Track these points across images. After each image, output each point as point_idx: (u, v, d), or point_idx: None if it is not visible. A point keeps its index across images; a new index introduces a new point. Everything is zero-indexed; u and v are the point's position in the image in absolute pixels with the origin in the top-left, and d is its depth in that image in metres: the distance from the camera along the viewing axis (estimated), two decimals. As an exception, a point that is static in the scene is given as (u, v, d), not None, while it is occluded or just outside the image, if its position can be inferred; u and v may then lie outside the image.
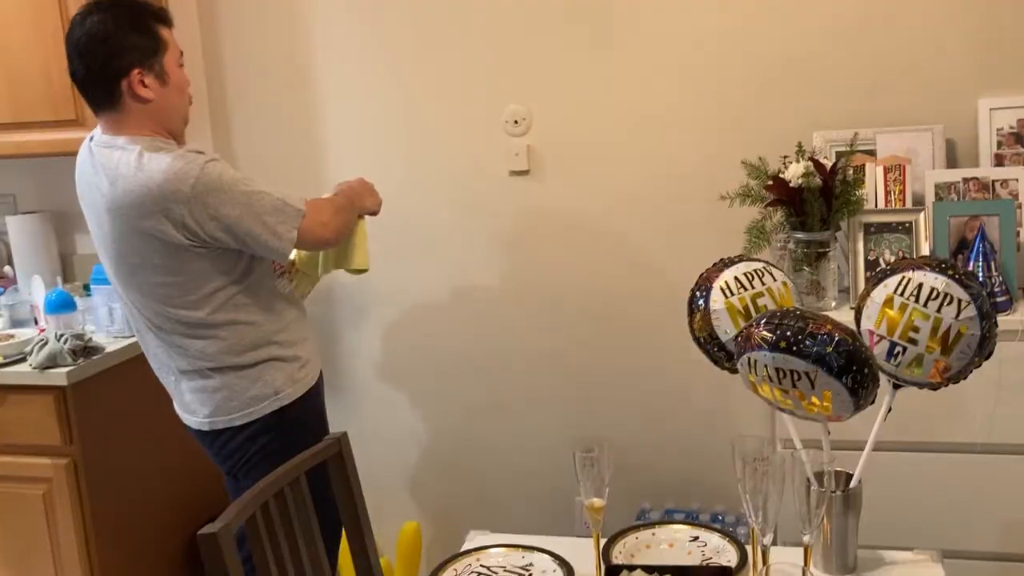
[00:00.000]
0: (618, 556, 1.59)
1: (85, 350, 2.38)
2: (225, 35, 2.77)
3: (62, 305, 2.48)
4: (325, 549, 1.59)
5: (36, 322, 2.66)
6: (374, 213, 2.23)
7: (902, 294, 1.38)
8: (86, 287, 2.70)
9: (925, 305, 1.36)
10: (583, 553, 1.56)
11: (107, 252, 1.97)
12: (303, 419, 2.08)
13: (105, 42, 1.86)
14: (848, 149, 2.22)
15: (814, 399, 1.33)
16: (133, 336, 2.50)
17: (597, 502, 1.51)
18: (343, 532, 1.79)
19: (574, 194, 2.60)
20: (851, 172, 2.19)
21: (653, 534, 1.67)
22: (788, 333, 1.30)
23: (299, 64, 2.73)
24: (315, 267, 2.26)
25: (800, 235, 2.15)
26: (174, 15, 2.71)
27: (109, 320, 2.54)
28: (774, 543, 2.14)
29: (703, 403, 2.61)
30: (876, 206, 2.28)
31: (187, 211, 1.83)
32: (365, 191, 2.21)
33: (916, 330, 1.36)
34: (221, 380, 1.99)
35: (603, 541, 1.60)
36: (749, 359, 1.35)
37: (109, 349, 2.45)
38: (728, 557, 1.57)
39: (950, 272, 1.37)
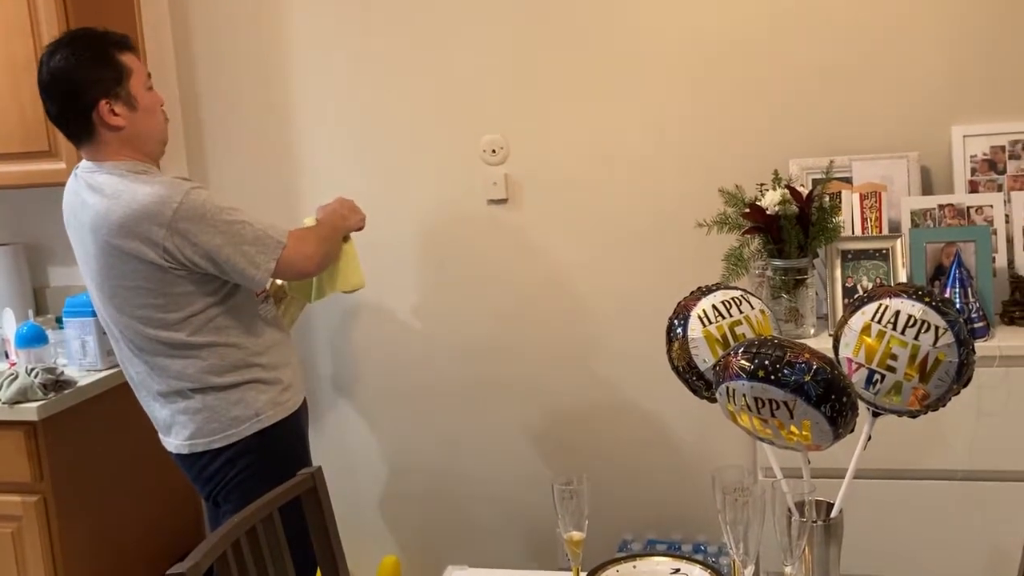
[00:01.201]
0: (598, 590, 1.56)
1: (57, 384, 2.35)
2: (200, 61, 2.76)
3: (33, 339, 2.45)
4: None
5: (7, 356, 2.61)
6: (359, 228, 2.25)
7: (879, 321, 1.37)
8: (59, 320, 2.66)
9: (903, 333, 1.35)
10: (563, 587, 1.53)
11: (90, 273, 1.99)
12: (284, 444, 2.07)
13: (69, 80, 1.90)
14: (824, 176, 2.23)
15: (793, 428, 1.31)
16: (106, 369, 2.47)
17: (576, 535, 1.49)
18: (318, 570, 1.76)
19: (552, 222, 2.60)
20: (827, 199, 2.20)
21: (634, 567, 1.65)
22: (766, 362, 1.28)
23: (275, 91, 2.73)
24: (307, 292, 2.27)
25: (778, 262, 2.15)
26: (148, 40, 2.74)
27: (82, 353, 2.50)
28: (756, 574, 2.12)
29: (684, 433, 2.59)
30: (853, 233, 2.29)
31: (167, 235, 1.86)
32: (347, 211, 2.23)
33: (894, 358, 1.35)
34: (202, 401, 1.99)
35: (583, 575, 1.58)
36: (727, 388, 1.34)
37: (82, 383, 2.42)
38: (710, 589, 1.55)
39: (927, 299, 1.37)
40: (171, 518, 2.67)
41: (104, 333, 2.18)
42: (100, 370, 2.48)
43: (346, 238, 2.23)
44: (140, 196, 1.87)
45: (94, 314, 2.32)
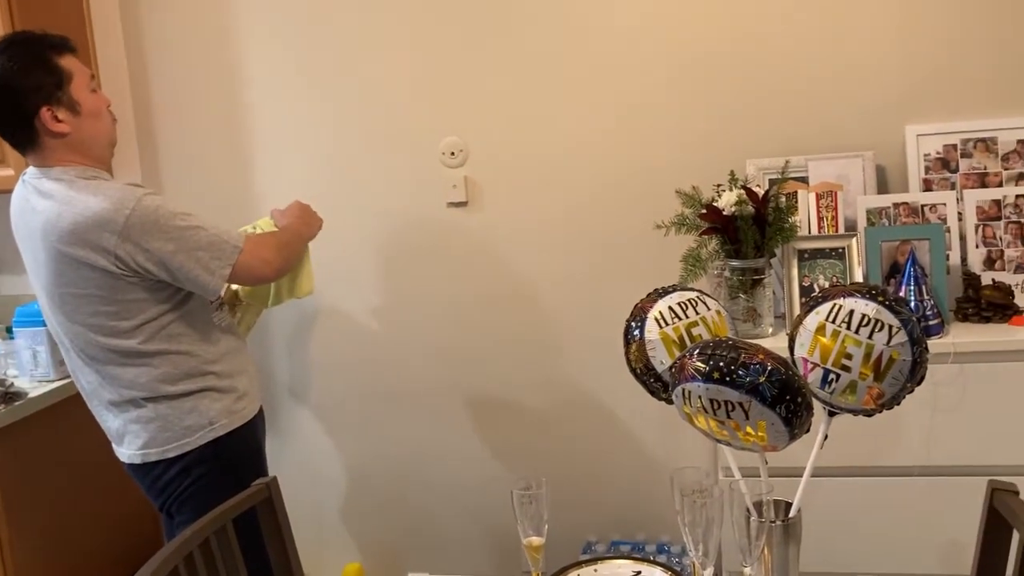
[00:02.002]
0: (559, 595, 1.56)
1: (7, 396, 2.30)
2: (152, 63, 2.72)
3: (-19, 350, 2.39)
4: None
5: (-45, 368, 2.55)
6: (315, 235, 2.24)
7: (834, 321, 1.38)
8: (8, 330, 2.60)
9: (857, 332, 1.36)
10: (524, 593, 1.52)
11: (40, 280, 1.95)
12: (239, 453, 2.04)
13: (7, 88, 1.84)
14: (780, 177, 2.24)
15: (749, 429, 1.31)
16: (59, 380, 2.42)
17: (536, 540, 1.48)
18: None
19: (513, 225, 2.59)
20: (783, 199, 2.21)
21: (595, 570, 1.64)
22: (721, 363, 1.28)
23: (230, 94, 2.69)
24: (263, 299, 2.24)
25: (735, 263, 2.16)
26: (98, 42, 2.68)
27: (33, 364, 2.45)
28: (718, 574, 2.12)
29: (647, 434, 2.60)
30: (810, 232, 2.30)
31: (119, 242, 1.83)
32: (306, 216, 2.21)
33: (849, 357, 1.36)
34: (155, 410, 1.96)
35: (544, 579, 1.57)
36: (683, 390, 1.34)
37: (33, 394, 2.36)
38: (670, 591, 1.55)
39: (880, 298, 1.38)
40: (127, 531, 2.62)
41: (56, 343, 2.13)
42: (52, 381, 2.43)
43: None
44: (91, 203, 1.83)
45: (45, 323, 2.27)
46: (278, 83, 2.66)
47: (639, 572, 1.63)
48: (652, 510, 2.60)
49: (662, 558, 2.46)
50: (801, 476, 1.49)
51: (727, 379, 1.28)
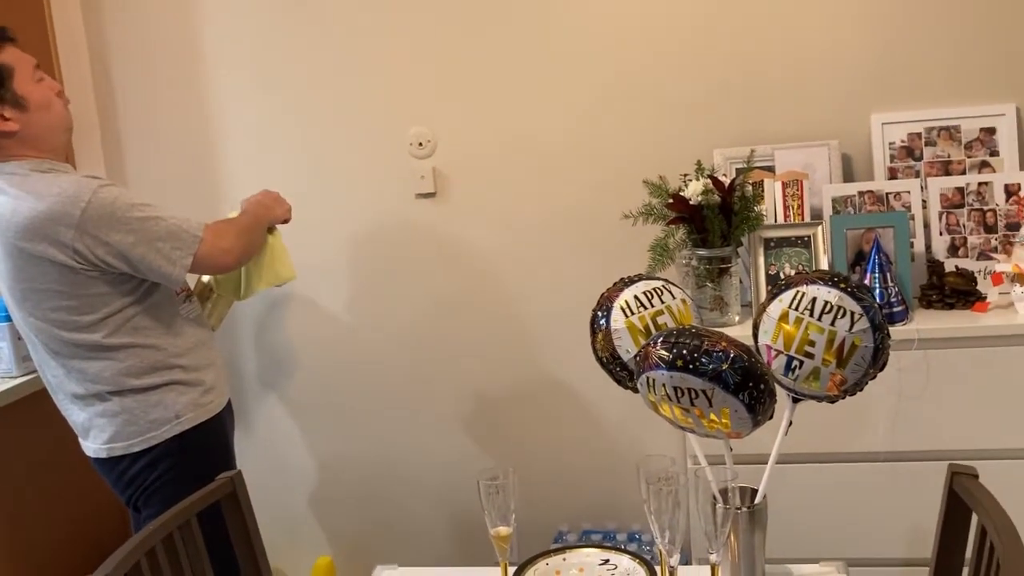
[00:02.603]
0: (528, 584, 1.56)
1: (-31, 393, 2.26)
2: (114, 52, 2.68)
3: (-57, 346, 2.35)
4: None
5: (-84, 365, 2.50)
6: (286, 221, 2.21)
7: (797, 308, 1.39)
8: (-30, 326, 2.56)
9: (819, 319, 1.37)
10: (493, 583, 1.52)
11: (2, 277, 1.92)
12: (205, 447, 2.02)
13: None
14: (746, 166, 2.25)
15: (712, 417, 1.32)
16: (23, 376, 2.39)
17: (503, 531, 1.48)
18: None
19: (481, 216, 2.58)
20: (749, 188, 2.22)
21: (564, 559, 1.64)
22: (684, 351, 1.29)
23: (194, 84, 2.66)
24: (234, 289, 2.22)
25: (702, 252, 2.16)
26: (59, 33, 2.64)
27: (-5, 359, 2.41)
28: (687, 562, 2.14)
29: (617, 422, 2.61)
30: (776, 221, 2.32)
31: (76, 236, 1.80)
32: (271, 202, 2.18)
33: (812, 344, 1.37)
34: (120, 404, 1.94)
35: (512, 569, 1.57)
36: (648, 378, 1.34)
37: (-5, 390, 2.33)
38: (638, 579, 1.55)
39: (843, 285, 1.39)
40: (96, 527, 2.59)
41: (20, 339, 2.10)
42: (16, 377, 2.39)
43: (272, 230, 2.19)
44: (46, 197, 1.80)
45: (8, 319, 2.24)
46: (243, 72, 2.63)
47: (607, 560, 1.63)
48: (624, 499, 2.62)
49: (633, 547, 2.48)
50: (767, 463, 1.50)
51: (690, 367, 1.28)
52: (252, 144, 2.67)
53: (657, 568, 1.53)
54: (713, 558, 1.39)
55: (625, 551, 1.65)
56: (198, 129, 2.68)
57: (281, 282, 2.23)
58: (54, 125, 1.92)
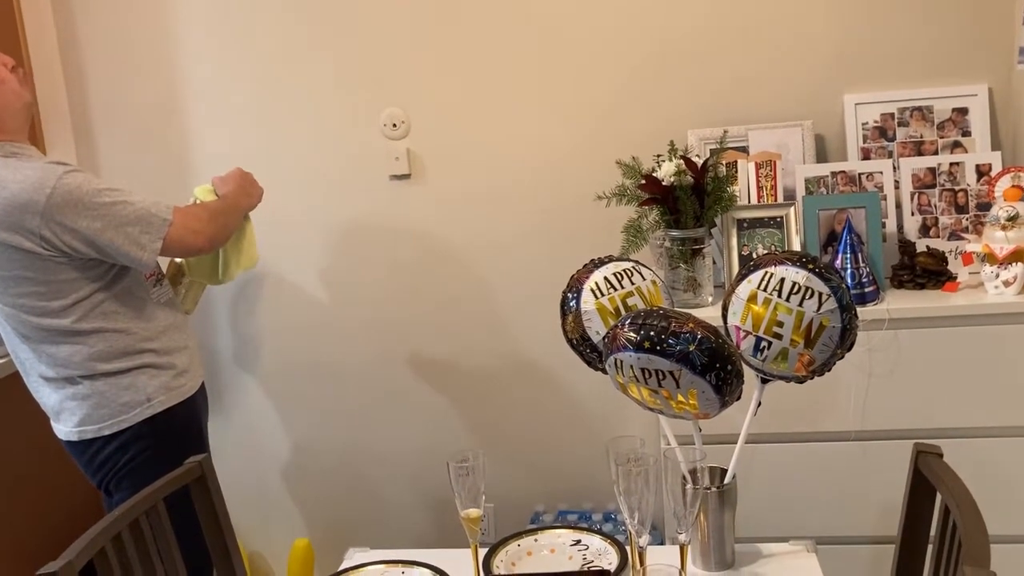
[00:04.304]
0: (499, 566, 1.56)
1: (-64, 378, 2.23)
2: (84, 35, 2.63)
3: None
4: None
5: None
6: (258, 203, 2.21)
7: (765, 289, 1.39)
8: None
9: (788, 299, 1.37)
10: (467, 565, 1.52)
11: None
12: (177, 430, 2.01)
13: None
14: (720, 147, 2.25)
15: (680, 398, 1.32)
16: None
17: (473, 512, 1.48)
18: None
19: (455, 198, 2.57)
20: (723, 169, 2.22)
21: (536, 540, 1.65)
22: (652, 333, 1.29)
23: (164, 65, 2.62)
24: (208, 274, 2.21)
25: (675, 233, 2.16)
26: (27, 15, 2.60)
27: (-36, 344, 2.37)
28: (660, 542, 2.15)
29: (592, 403, 2.61)
30: (749, 202, 2.32)
31: (43, 223, 1.78)
32: (247, 185, 2.17)
33: (780, 324, 1.38)
34: (91, 387, 1.93)
35: (484, 551, 1.57)
36: (616, 360, 1.34)
37: (-36, 375, 2.30)
38: (609, 559, 1.56)
39: (811, 266, 1.39)
40: (70, 512, 2.57)
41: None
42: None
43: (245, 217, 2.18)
44: (10, 184, 1.78)
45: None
46: (214, 52, 2.60)
47: (579, 541, 1.64)
48: (599, 479, 2.63)
49: (608, 527, 2.49)
50: (736, 443, 1.51)
51: (657, 348, 1.29)
52: (223, 124, 2.63)
53: (628, 548, 1.54)
54: (682, 538, 1.40)
55: (597, 532, 1.66)
56: (169, 111, 2.65)
57: (247, 268, 2.22)
58: (8, 103, 1.88)
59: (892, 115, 2.33)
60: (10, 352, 2.01)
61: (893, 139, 2.33)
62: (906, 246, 2.23)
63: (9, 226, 1.78)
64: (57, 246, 1.81)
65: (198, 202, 2.12)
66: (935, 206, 2.27)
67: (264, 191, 2.21)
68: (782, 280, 1.39)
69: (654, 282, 1.55)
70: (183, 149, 2.67)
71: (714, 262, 2.27)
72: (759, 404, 1.49)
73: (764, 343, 1.39)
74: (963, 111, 2.29)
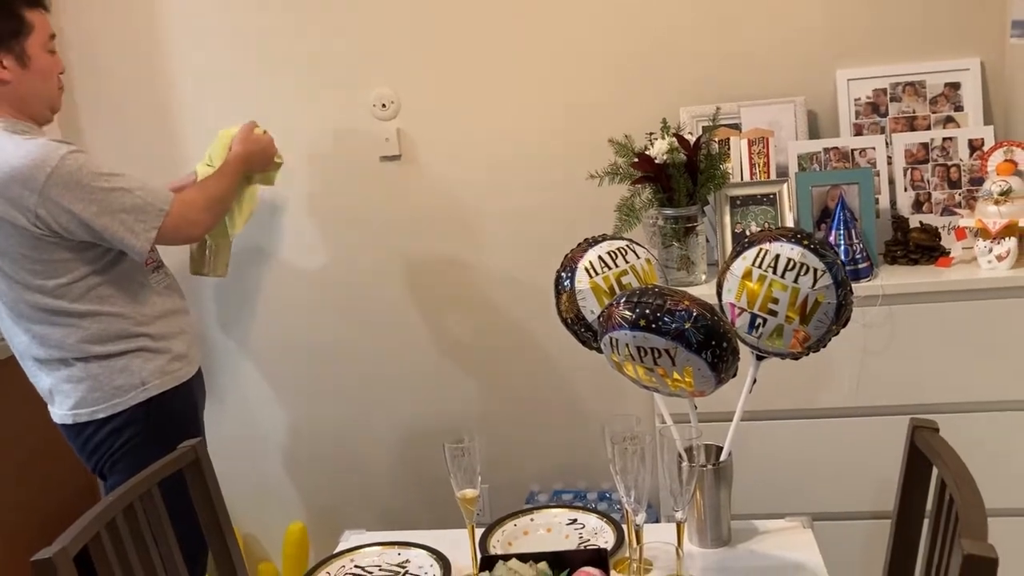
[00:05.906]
0: (496, 545, 1.56)
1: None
2: (67, 17, 2.60)
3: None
4: (188, 566, 1.51)
5: None
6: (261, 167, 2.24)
7: (760, 266, 1.38)
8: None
9: (783, 276, 1.37)
10: (464, 545, 1.52)
11: None
12: (172, 414, 2.01)
13: None
14: (712, 124, 2.23)
15: (676, 375, 1.32)
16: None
17: (470, 493, 1.48)
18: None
19: (447, 178, 2.55)
20: (715, 146, 2.21)
21: (532, 519, 1.65)
22: (647, 311, 1.28)
23: (151, 44, 2.59)
24: (222, 234, 2.26)
25: (668, 211, 2.15)
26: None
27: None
28: (656, 520, 2.15)
29: (587, 382, 2.61)
30: (742, 179, 2.31)
31: (39, 201, 1.78)
32: (248, 156, 2.17)
33: (775, 301, 1.37)
34: (85, 370, 1.92)
35: (481, 531, 1.57)
36: (611, 339, 1.33)
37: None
38: (605, 538, 1.57)
39: (806, 242, 1.38)
40: (67, 498, 2.56)
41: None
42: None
43: (251, 179, 2.22)
44: (12, 159, 1.78)
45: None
46: (203, 29, 2.57)
47: (575, 520, 1.64)
48: (593, 460, 2.63)
49: (603, 506, 2.49)
50: (732, 420, 1.51)
51: (653, 326, 1.28)
52: (212, 101, 2.60)
53: (624, 527, 1.54)
54: (679, 516, 1.40)
55: (593, 511, 1.66)
56: (156, 92, 2.62)
57: (254, 207, 2.28)
58: (44, 95, 1.93)
59: (884, 91, 2.32)
60: (5, 336, 2.01)
61: (886, 115, 2.32)
62: (899, 222, 2.23)
63: (5, 199, 1.78)
64: (50, 225, 1.80)
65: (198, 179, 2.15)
66: (928, 181, 2.26)
67: (272, 140, 2.23)
68: (777, 256, 1.38)
69: (648, 260, 1.55)
70: (169, 130, 2.64)
71: (707, 240, 2.26)
72: (754, 381, 1.49)
73: (759, 320, 1.39)
74: (955, 86, 2.28)
